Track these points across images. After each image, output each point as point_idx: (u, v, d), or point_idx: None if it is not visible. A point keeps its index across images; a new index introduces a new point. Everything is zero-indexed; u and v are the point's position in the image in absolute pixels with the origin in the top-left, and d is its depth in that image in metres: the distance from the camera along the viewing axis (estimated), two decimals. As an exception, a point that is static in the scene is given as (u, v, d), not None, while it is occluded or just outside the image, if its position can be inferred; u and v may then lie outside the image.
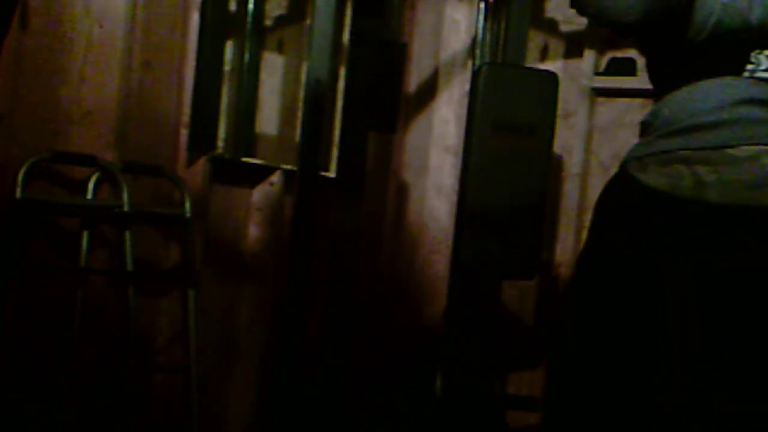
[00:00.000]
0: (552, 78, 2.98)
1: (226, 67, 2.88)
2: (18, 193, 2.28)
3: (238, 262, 2.99)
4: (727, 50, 1.60)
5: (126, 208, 2.51)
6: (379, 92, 2.69)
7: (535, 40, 3.35)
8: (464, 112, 3.20)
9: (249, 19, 2.93)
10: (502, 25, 3.15)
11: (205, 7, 2.71)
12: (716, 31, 1.58)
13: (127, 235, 2.54)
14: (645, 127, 1.67)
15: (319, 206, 3.07)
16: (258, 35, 2.98)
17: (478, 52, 3.25)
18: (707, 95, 1.59)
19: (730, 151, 1.53)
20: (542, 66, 3.33)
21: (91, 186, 2.49)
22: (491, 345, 3.12)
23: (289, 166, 3.05)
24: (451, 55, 3.50)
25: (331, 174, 3.05)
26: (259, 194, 3.04)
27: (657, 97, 1.69)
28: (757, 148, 1.52)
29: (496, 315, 3.19)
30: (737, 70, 1.58)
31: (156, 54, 2.63)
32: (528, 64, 3.15)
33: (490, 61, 3.21)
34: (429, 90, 3.48)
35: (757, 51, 1.58)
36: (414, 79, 3.46)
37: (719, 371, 1.55)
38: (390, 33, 2.94)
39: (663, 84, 1.69)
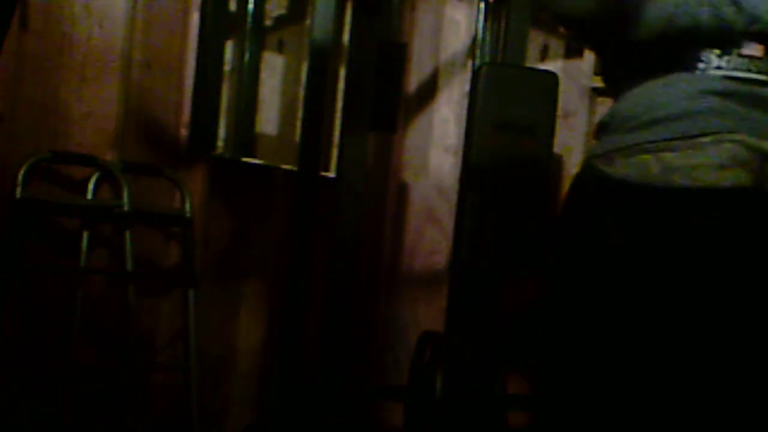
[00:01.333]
0: (552, 78, 2.98)
1: (226, 67, 2.88)
2: (18, 193, 2.29)
3: (238, 262, 2.99)
4: (679, 49, 1.63)
5: (126, 208, 2.51)
6: (379, 92, 2.69)
7: (535, 40, 3.35)
8: (464, 112, 3.20)
9: (249, 19, 2.93)
10: (502, 25, 3.14)
11: (205, 7, 2.71)
12: (667, 31, 1.61)
13: (127, 235, 2.54)
14: (603, 127, 1.69)
15: (320, 206, 3.07)
16: (258, 35, 2.98)
17: (478, 52, 3.25)
18: (668, 89, 1.61)
19: (692, 137, 1.55)
20: (542, 66, 3.32)
21: (91, 186, 2.49)
22: (492, 345, 3.12)
23: (289, 166, 3.05)
24: (451, 55, 3.50)
25: (331, 174, 3.05)
26: (259, 194, 3.04)
27: (613, 97, 1.71)
28: (719, 135, 1.55)
29: (496, 315, 3.19)
30: (689, 69, 1.62)
31: (156, 54, 2.63)
32: (528, 64, 3.15)
33: (490, 61, 3.21)
34: (429, 90, 3.48)
35: (708, 49, 1.61)
36: (414, 79, 3.45)
37: (698, 355, 1.56)
38: (390, 33, 2.94)
39: (618, 83, 1.72)
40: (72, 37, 2.41)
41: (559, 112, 3.18)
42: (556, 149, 3.30)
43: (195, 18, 2.70)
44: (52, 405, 2.39)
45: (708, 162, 1.55)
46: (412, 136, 3.48)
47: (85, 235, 2.47)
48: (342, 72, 3.12)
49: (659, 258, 1.57)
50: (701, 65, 1.62)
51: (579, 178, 1.70)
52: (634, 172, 1.60)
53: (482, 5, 3.20)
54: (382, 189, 3.43)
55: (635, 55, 1.68)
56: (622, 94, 1.68)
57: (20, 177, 2.29)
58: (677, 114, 1.60)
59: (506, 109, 3.00)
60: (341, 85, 3.11)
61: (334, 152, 3.13)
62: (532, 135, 3.02)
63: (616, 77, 1.74)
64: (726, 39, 1.61)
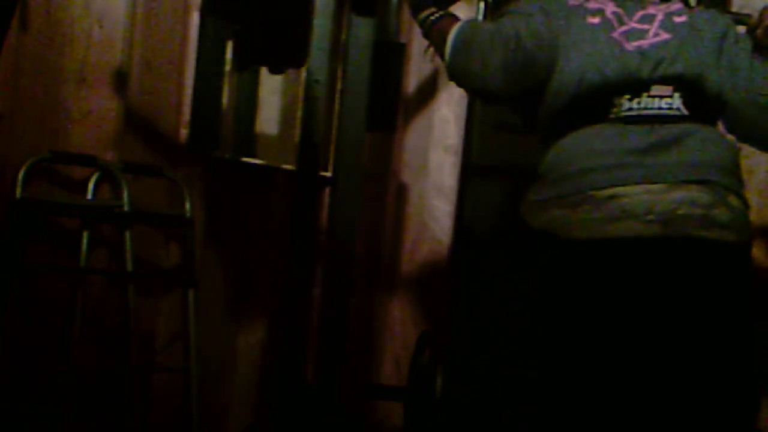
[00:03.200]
0: (552, 78, 2.97)
1: (226, 67, 2.88)
2: (18, 193, 2.29)
3: (238, 262, 2.99)
4: (592, 101, 1.81)
5: (126, 208, 2.51)
6: (378, 92, 2.69)
7: (535, 40, 3.34)
8: (464, 112, 3.20)
9: (249, 19, 2.93)
10: (502, 25, 3.14)
11: (205, 7, 2.71)
12: (578, 91, 1.80)
13: (127, 235, 2.54)
14: (538, 175, 1.90)
15: (320, 206, 3.07)
16: (258, 35, 2.98)
17: (478, 52, 3.25)
18: (578, 145, 1.80)
19: (591, 192, 1.74)
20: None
21: (91, 186, 2.49)
22: (492, 344, 3.12)
23: (289, 166, 3.05)
24: (451, 55, 3.49)
25: (331, 174, 3.05)
26: (259, 194, 3.04)
27: (542, 143, 1.92)
28: (615, 189, 1.72)
29: (496, 314, 3.19)
30: (604, 115, 1.79)
31: (156, 54, 2.63)
32: (528, 64, 3.15)
33: (490, 61, 3.20)
34: (429, 90, 3.48)
35: (618, 96, 1.79)
36: (414, 79, 3.45)
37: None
38: (389, 33, 2.94)
39: (544, 133, 1.91)
40: (72, 37, 2.41)
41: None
42: (556, 149, 3.31)
43: (195, 18, 2.70)
44: (52, 405, 2.39)
45: (598, 217, 1.72)
46: (412, 136, 3.48)
47: (85, 235, 2.47)
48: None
49: (570, 302, 1.78)
50: (614, 110, 1.78)
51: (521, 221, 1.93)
52: (546, 225, 1.81)
53: (482, 5, 3.20)
54: (381, 189, 3.43)
55: (554, 114, 1.86)
56: (552, 144, 1.86)
57: (20, 177, 2.29)
58: (579, 170, 1.77)
59: (506, 109, 2.99)
60: (341, 85, 3.11)
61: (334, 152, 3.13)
62: (531, 135, 3.02)
63: (542, 129, 1.93)
64: (634, 85, 1.78)
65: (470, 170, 3.09)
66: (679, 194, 1.69)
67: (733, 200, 1.75)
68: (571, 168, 1.78)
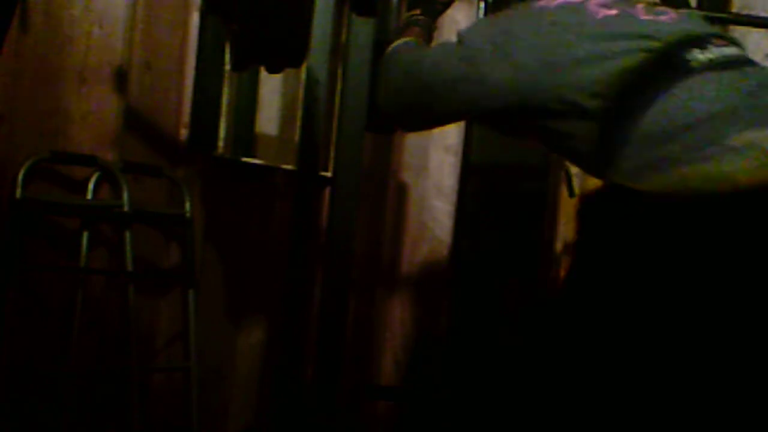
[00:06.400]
0: (552, 78, 2.97)
1: (226, 67, 2.88)
2: (18, 193, 2.28)
3: (238, 262, 2.99)
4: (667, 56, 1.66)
5: (126, 208, 2.51)
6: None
7: (535, 40, 3.34)
8: (464, 112, 3.20)
9: (249, 19, 2.93)
10: (502, 25, 3.14)
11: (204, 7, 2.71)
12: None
13: (127, 235, 2.54)
14: (619, 145, 1.71)
15: (320, 206, 3.08)
16: (258, 35, 2.98)
17: (478, 51, 3.25)
18: (685, 96, 1.62)
19: (729, 142, 1.55)
20: (542, 66, 3.32)
21: (91, 186, 2.49)
22: (492, 344, 3.12)
23: (289, 166, 3.05)
24: (451, 55, 3.49)
25: (331, 174, 3.05)
26: (259, 194, 3.04)
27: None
28: (752, 135, 1.53)
29: (496, 314, 3.19)
30: (687, 67, 1.63)
31: (156, 54, 2.63)
32: (528, 64, 3.15)
33: (490, 61, 3.20)
34: (429, 90, 3.47)
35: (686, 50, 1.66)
36: (414, 79, 3.45)
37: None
38: (389, 33, 2.94)
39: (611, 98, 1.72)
40: (72, 37, 2.40)
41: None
42: (556, 149, 3.30)
43: (195, 18, 2.70)
44: (52, 405, 2.39)
45: (746, 166, 1.52)
46: (412, 136, 3.48)
47: (85, 235, 2.47)
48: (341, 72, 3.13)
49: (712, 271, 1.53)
50: (693, 62, 1.63)
51: (603, 197, 1.70)
52: (677, 185, 1.57)
53: (482, 5, 3.20)
54: (381, 189, 3.43)
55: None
56: (629, 110, 1.65)
57: (20, 177, 2.29)
58: (709, 116, 1.58)
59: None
60: (341, 85, 3.12)
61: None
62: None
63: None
64: (695, 40, 1.65)
65: (470, 170, 3.09)
66: None
67: None
68: (690, 119, 1.59)
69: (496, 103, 1.71)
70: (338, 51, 3.01)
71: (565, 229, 3.43)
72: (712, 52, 1.64)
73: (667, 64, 1.64)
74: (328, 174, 3.05)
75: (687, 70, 1.63)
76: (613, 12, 1.71)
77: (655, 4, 1.85)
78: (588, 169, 1.78)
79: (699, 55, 1.64)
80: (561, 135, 1.71)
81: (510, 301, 3.29)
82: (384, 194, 3.45)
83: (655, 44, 1.65)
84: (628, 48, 1.66)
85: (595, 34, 1.67)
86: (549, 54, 1.67)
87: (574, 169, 3.38)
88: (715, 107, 1.59)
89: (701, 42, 1.66)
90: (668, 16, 1.74)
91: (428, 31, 2.02)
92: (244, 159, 2.95)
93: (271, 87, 3.05)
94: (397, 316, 3.50)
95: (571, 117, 1.68)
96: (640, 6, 1.76)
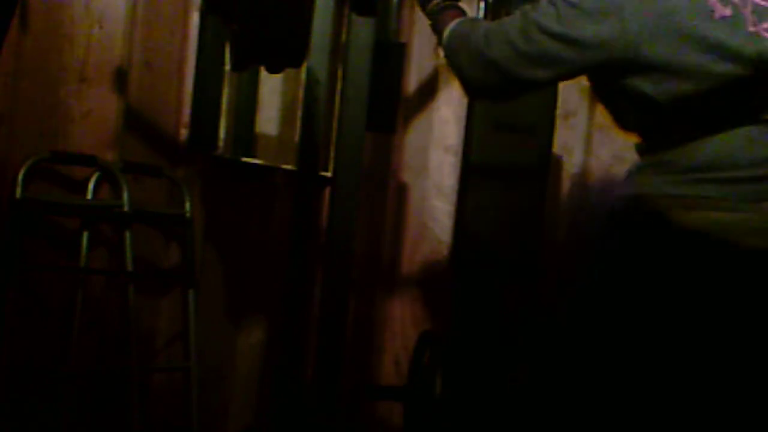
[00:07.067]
0: (552, 78, 2.97)
1: (226, 67, 2.88)
2: (18, 193, 2.28)
3: (238, 263, 2.99)
4: (746, 97, 1.69)
5: (126, 208, 2.51)
6: (378, 92, 2.69)
7: (535, 40, 3.34)
8: (464, 112, 3.21)
9: (249, 19, 2.92)
10: (502, 25, 3.14)
11: (204, 7, 2.71)
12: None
13: (127, 235, 2.54)
14: (663, 163, 1.73)
15: (320, 206, 3.08)
16: (258, 35, 2.98)
17: (478, 51, 3.25)
18: (744, 147, 1.68)
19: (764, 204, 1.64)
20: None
21: (91, 186, 2.49)
22: (493, 344, 3.12)
23: (289, 166, 3.05)
24: (451, 55, 3.49)
25: (331, 174, 3.05)
26: (259, 194, 3.04)
27: (669, 135, 1.74)
28: None
29: (496, 314, 3.19)
30: (757, 119, 1.69)
31: (156, 54, 2.63)
32: (528, 64, 3.15)
33: (490, 61, 3.20)
34: (429, 90, 3.48)
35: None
36: (414, 79, 3.46)
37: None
38: (389, 33, 2.94)
39: (670, 125, 1.74)
40: (72, 37, 2.40)
41: (559, 112, 3.18)
42: (556, 149, 3.31)
43: (195, 18, 2.70)
44: (52, 405, 2.39)
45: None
46: (412, 136, 3.48)
47: (85, 235, 2.47)
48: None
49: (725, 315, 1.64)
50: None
51: (648, 215, 1.72)
52: (699, 226, 1.65)
53: (482, 5, 3.20)
54: (382, 189, 3.44)
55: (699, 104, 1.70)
56: (696, 137, 1.69)
57: (20, 177, 2.29)
58: (750, 177, 1.65)
59: (506, 109, 3.00)
60: (341, 85, 3.12)
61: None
62: (532, 135, 3.02)
63: (652, 122, 1.76)
64: None
65: (470, 170, 3.09)
66: None
67: None
68: (740, 172, 1.67)
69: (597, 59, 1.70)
70: (338, 51, 3.01)
71: (565, 230, 3.43)
72: None
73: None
74: (328, 174, 3.05)
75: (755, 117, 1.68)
76: (728, 12, 1.67)
77: None
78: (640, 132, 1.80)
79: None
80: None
81: (510, 301, 3.29)
82: (384, 194, 3.45)
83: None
84: (725, 72, 1.66)
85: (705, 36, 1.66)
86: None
87: (577, 144, 3.38)
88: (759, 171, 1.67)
89: None
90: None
91: (462, 12, 2.01)
92: (244, 159, 2.95)
93: (271, 87, 3.05)
94: (397, 316, 3.50)
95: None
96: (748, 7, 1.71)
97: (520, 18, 1.77)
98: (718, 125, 1.68)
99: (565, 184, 3.44)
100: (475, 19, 2.03)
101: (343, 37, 2.95)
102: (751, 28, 1.66)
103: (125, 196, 2.50)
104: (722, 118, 1.68)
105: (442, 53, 2.01)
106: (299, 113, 3.03)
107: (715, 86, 1.65)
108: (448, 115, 3.48)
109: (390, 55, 2.82)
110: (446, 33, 1.93)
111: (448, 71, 2.07)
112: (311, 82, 2.85)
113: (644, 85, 1.68)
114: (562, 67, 1.73)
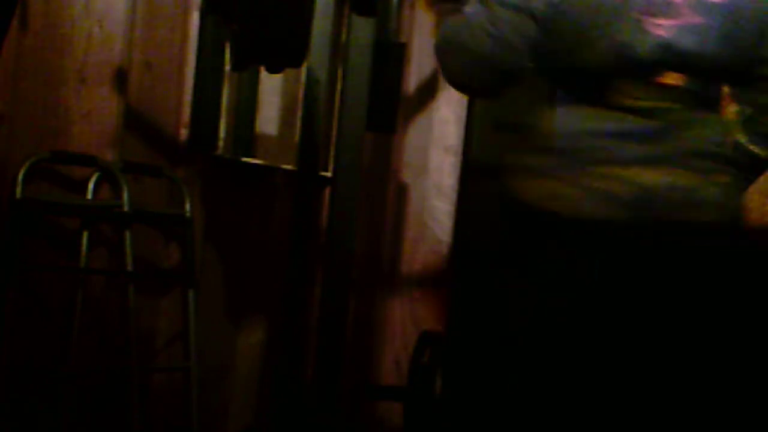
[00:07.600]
0: (552, 78, 2.97)
1: (226, 67, 2.88)
2: (18, 193, 2.29)
3: (238, 263, 3.00)
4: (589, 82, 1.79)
5: (126, 208, 2.51)
6: (378, 92, 2.69)
7: (535, 40, 3.34)
8: (464, 112, 3.20)
9: (249, 19, 2.92)
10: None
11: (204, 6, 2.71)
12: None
13: (127, 235, 2.54)
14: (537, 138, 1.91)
15: (320, 206, 3.08)
16: (258, 35, 2.97)
17: (478, 51, 3.24)
18: (568, 122, 1.83)
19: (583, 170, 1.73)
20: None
21: (91, 186, 2.49)
22: (492, 344, 3.12)
23: (289, 166, 3.05)
24: (451, 55, 3.49)
25: (331, 174, 3.05)
26: (259, 194, 3.04)
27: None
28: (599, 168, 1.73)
29: (496, 314, 3.19)
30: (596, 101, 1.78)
31: (156, 54, 2.63)
32: (528, 64, 3.15)
33: (490, 61, 3.20)
34: (429, 90, 3.48)
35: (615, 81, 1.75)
36: (414, 79, 3.46)
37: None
38: (389, 33, 2.94)
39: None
40: (72, 37, 2.40)
41: (559, 112, 3.17)
42: (556, 149, 3.30)
43: (195, 18, 2.70)
44: (52, 405, 2.39)
45: (586, 194, 1.70)
46: (412, 136, 3.48)
47: (85, 235, 2.47)
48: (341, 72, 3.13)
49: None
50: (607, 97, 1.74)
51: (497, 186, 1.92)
52: (529, 193, 1.80)
53: (482, 5, 3.19)
54: (382, 189, 3.44)
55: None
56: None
57: (20, 177, 2.29)
58: (569, 148, 1.77)
59: (506, 109, 2.99)
60: (341, 85, 3.12)
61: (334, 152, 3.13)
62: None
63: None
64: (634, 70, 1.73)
65: (470, 170, 3.09)
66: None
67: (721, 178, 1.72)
68: (560, 143, 1.79)
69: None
70: (338, 51, 3.01)
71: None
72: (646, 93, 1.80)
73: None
74: (328, 174, 3.05)
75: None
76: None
77: None
78: None
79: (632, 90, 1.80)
80: None
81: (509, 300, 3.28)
82: (384, 194, 3.45)
83: None
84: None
85: None
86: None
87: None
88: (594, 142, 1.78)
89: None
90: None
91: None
92: (244, 159, 2.95)
93: (271, 87, 3.05)
94: (397, 316, 3.50)
95: None
96: None
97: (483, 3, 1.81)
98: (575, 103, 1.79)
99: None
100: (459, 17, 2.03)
101: (343, 37, 2.95)
102: (637, 17, 1.72)
103: (125, 196, 2.50)
104: (580, 99, 1.79)
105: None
106: (299, 113, 3.03)
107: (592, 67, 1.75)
108: (448, 115, 3.48)
109: (390, 55, 2.82)
110: (438, 36, 1.94)
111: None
112: (311, 82, 2.85)
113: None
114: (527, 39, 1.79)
